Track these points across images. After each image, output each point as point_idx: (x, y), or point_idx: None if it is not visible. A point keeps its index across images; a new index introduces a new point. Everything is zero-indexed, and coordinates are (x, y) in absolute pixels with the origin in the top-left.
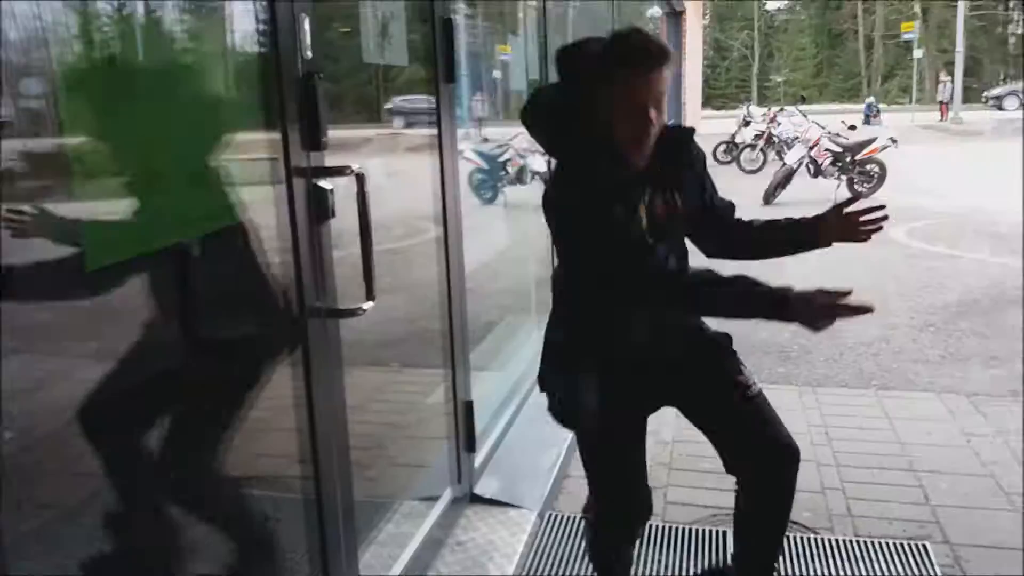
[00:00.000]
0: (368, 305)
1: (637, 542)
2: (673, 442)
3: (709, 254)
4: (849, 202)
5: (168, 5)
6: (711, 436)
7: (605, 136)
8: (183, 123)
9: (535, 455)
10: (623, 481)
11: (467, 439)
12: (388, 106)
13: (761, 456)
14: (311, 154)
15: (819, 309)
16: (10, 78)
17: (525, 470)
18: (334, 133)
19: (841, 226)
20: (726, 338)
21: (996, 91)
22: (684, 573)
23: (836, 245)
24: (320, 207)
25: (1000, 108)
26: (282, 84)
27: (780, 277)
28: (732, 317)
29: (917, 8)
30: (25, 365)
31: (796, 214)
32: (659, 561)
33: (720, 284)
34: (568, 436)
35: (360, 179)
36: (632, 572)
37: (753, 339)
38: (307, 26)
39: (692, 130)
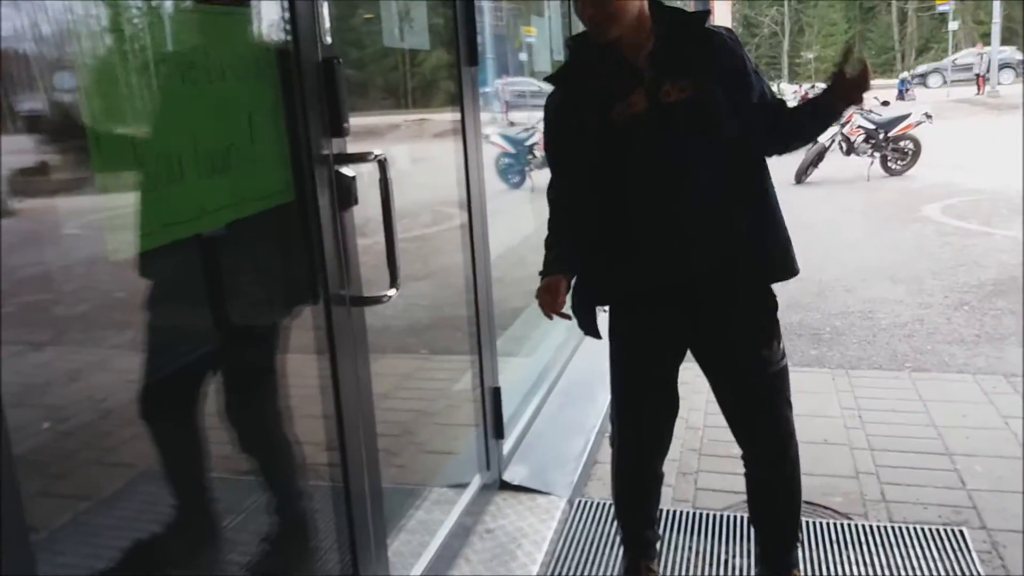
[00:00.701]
0: (392, 293)
1: (660, 481)
2: (704, 427)
3: (755, 151)
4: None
5: None
6: (716, 395)
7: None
8: (207, 108)
9: (564, 441)
10: (638, 410)
11: (495, 426)
12: (486, 89)
13: (755, 442)
14: (333, 140)
15: (852, 82)
16: (44, 72)
17: (554, 457)
18: (360, 120)
19: (843, 87)
20: (771, 299)
21: (920, 68)
22: (716, 559)
23: (873, 225)
24: (343, 194)
25: (925, 86)
26: (301, 70)
27: (826, 259)
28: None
29: None
30: (61, 356)
31: (828, 193)
32: (690, 547)
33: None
34: (597, 423)
35: (383, 165)
36: (663, 558)
37: (785, 321)
38: (326, 12)
39: (702, 13)
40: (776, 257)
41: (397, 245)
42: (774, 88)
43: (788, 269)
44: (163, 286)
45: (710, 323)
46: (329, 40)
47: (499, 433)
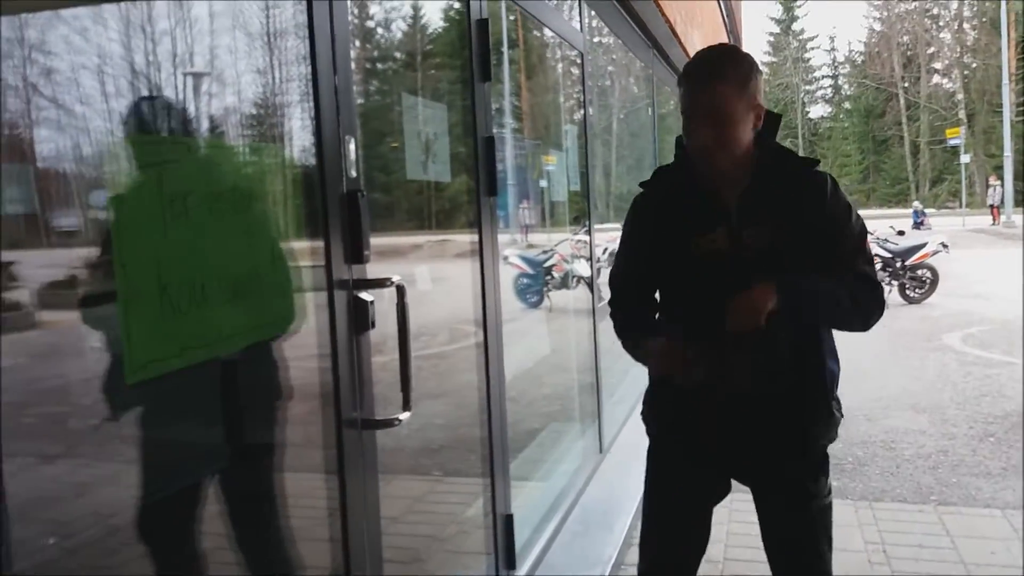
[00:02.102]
0: (405, 416)
1: None
2: (724, 560)
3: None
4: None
5: (230, 124)
6: (760, 524)
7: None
8: (231, 236)
9: (580, 573)
10: (666, 541)
11: (507, 555)
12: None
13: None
14: (353, 267)
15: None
16: (81, 189)
17: None
18: (386, 240)
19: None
20: (827, 423)
21: None
22: None
23: (893, 354)
24: (360, 318)
25: None
26: (326, 201)
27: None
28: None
29: (962, 114)
30: (72, 469)
31: None
32: None
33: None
34: (614, 553)
35: (400, 291)
36: None
37: None
38: (352, 147)
39: (810, 160)
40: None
41: (411, 369)
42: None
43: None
44: (174, 407)
45: (757, 450)
46: (354, 173)
47: (511, 563)
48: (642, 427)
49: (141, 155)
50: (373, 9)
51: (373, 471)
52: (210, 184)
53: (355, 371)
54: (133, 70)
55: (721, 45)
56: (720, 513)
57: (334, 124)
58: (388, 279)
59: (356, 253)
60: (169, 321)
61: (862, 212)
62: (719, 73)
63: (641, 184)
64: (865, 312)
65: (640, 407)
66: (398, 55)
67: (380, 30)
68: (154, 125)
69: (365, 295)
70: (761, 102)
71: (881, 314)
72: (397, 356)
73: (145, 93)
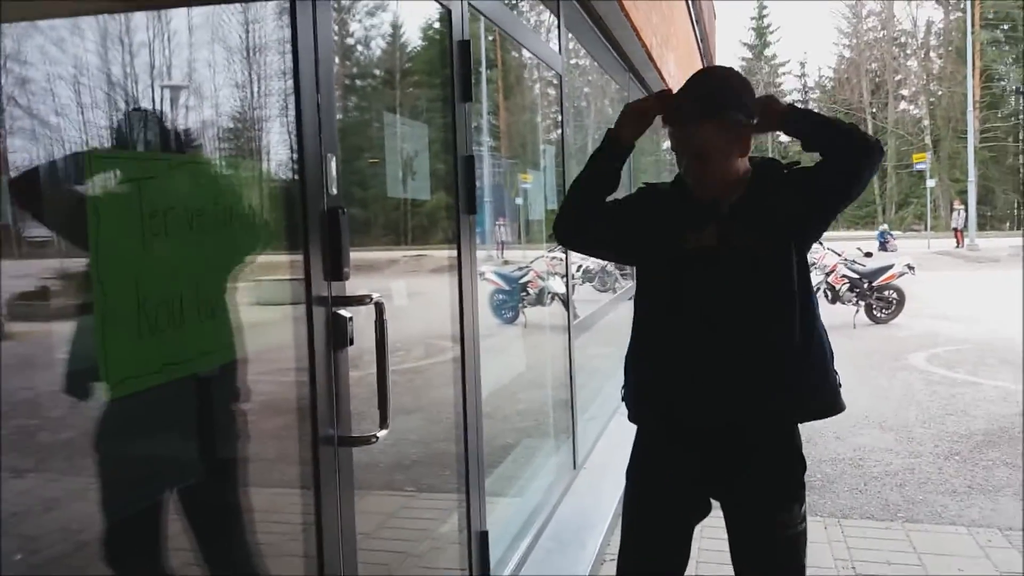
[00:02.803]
0: (382, 433)
1: None
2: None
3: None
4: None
5: (208, 139)
6: (731, 551)
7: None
8: (211, 252)
9: None
10: (646, 558)
11: (482, 572)
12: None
13: None
14: (332, 283)
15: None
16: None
17: None
18: (362, 255)
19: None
20: (798, 460)
21: None
22: None
23: (860, 373)
24: (339, 335)
25: None
26: (307, 218)
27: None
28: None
29: (928, 140)
30: (41, 483)
31: None
32: None
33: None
34: (586, 570)
35: (379, 308)
36: None
37: None
38: (333, 164)
39: (792, 163)
40: (815, 399)
41: (389, 386)
42: None
43: (828, 407)
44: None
45: (733, 474)
46: (335, 190)
47: None
48: (616, 444)
49: (122, 169)
50: (353, 27)
51: (349, 488)
52: (190, 200)
53: (333, 388)
54: (111, 82)
55: (712, 73)
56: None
57: (316, 141)
58: (368, 296)
59: (336, 270)
60: (146, 338)
61: (830, 234)
62: (709, 112)
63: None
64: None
65: (624, 409)
66: (377, 72)
67: (360, 47)
68: (131, 139)
69: (344, 312)
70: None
71: (870, 163)
72: (372, 372)
73: (123, 106)
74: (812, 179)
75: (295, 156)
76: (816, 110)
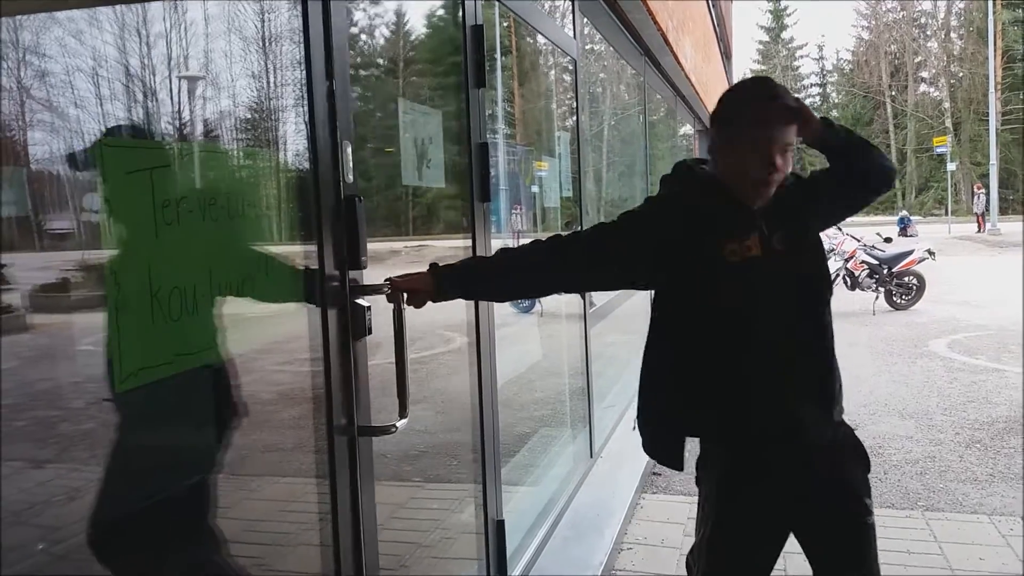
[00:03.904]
0: (402, 423)
1: None
2: None
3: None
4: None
5: (224, 129)
6: (809, 550)
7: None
8: (225, 242)
9: None
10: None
11: (498, 562)
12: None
13: None
14: (350, 272)
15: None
16: (76, 192)
17: None
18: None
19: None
20: (862, 454)
21: None
22: None
23: (880, 360)
24: (358, 324)
25: None
26: (320, 206)
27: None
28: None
29: (948, 123)
30: (63, 473)
31: (835, 327)
32: None
33: None
34: (603, 559)
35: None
36: None
37: None
38: (349, 151)
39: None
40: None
41: (408, 375)
42: None
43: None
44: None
45: (820, 470)
46: (351, 179)
47: (502, 569)
48: (633, 433)
49: (132, 159)
50: (357, 15)
51: (370, 478)
52: (203, 189)
53: (352, 378)
54: (128, 73)
55: (772, 82)
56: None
57: (331, 129)
58: (383, 285)
59: (354, 259)
60: (160, 328)
61: (849, 219)
62: (793, 116)
63: (666, 184)
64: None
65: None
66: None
67: (372, 34)
68: (147, 129)
69: (362, 301)
70: None
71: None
72: (378, 362)
73: (139, 97)
74: (822, 188)
75: (309, 145)
76: (841, 122)
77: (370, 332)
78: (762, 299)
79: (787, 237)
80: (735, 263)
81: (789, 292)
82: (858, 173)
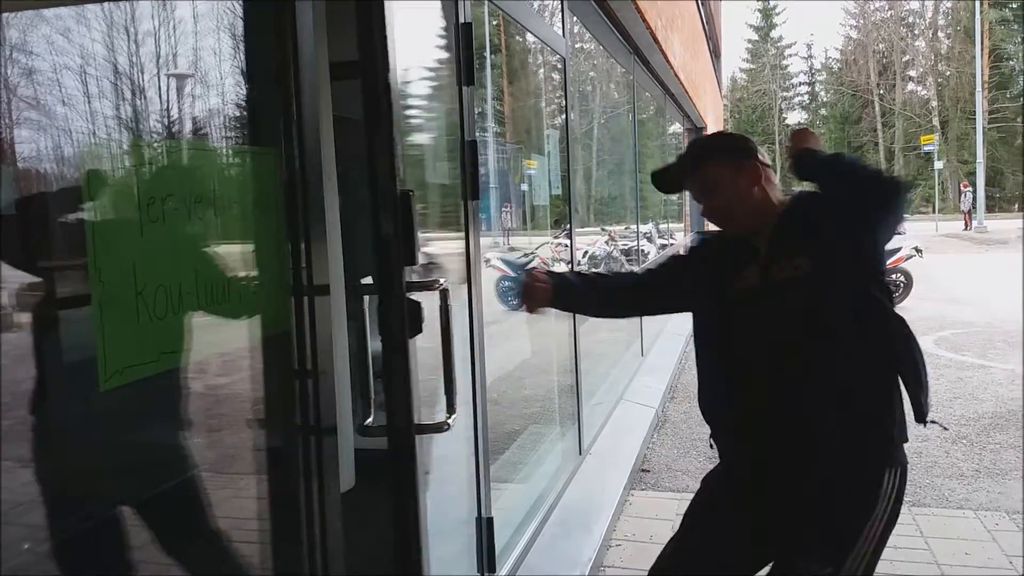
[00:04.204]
0: (452, 419)
1: None
2: None
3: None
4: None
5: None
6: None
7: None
8: (213, 240)
9: (559, 575)
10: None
11: (488, 559)
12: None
13: None
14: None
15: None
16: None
17: None
18: None
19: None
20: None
21: None
22: None
23: None
24: (414, 321)
25: None
26: (378, 201)
27: None
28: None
29: (936, 121)
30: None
31: None
32: None
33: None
34: (592, 555)
35: (444, 294)
36: None
37: None
38: (399, 151)
39: (809, 194)
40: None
41: (456, 372)
42: None
43: (884, 458)
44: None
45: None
46: (402, 173)
47: (491, 566)
48: (621, 430)
49: (118, 156)
50: None
51: (423, 476)
52: (190, 187)
53: (410, 376)
54: (116, 71)
55: (694, 140)
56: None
57: (388, 125)
58: (436, 281)
59: (409, 254)
60: (145, 326)
61: None
62: (707, 155)
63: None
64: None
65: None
66: None
67: None
68: (137, 127)
69: (416, 296)
70: (760, 160)
71: (883, 197)
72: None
73: (125, 94)
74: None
75: (368, 140)
76: (838, 151)
77: (420, 330)
78: (753, 332)
79: (785, 266)
80: (731, 297)
81: (787, 323)
82: (838, 188)
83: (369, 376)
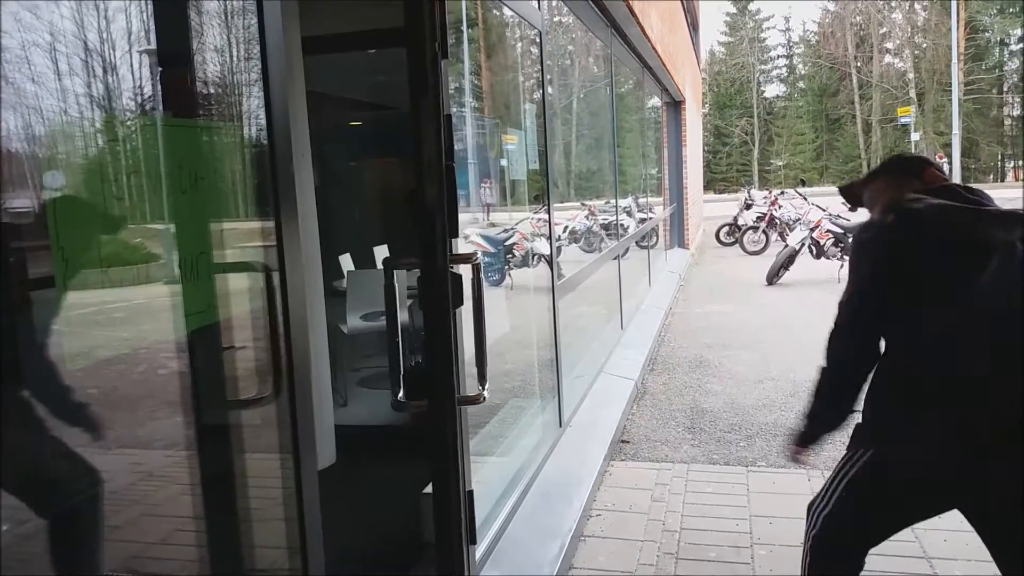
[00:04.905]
0: (487, 391)
1: None
2: (681, 530)
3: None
4: None
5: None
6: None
7: None
8: (188, 218)
9: (539, 546)
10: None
11: (468, 531)
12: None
13: None
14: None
15: None
16: (36, 170)
17: (529, 562)
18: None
19: None
20: None
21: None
22: None
23: None
24: (456, 293)
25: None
26: (423, 175)
27: (799, 360)
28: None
29: (912, 93)
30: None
31: (800, 294)
32: None
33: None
34: (572, 526)
35: (476, 268)
36: None
37: (759, 422)
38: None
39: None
40: None
41: (487, 344)
42: (745, 193)
43: None
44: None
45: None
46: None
47: (472, 538)
48: (600, 403)
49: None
50: None
51: (466, 448)
52: (156, 163)
53: (453, 347)
54: (87, 48)
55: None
56: (675, 482)
57: (434, 100)
58: (473, 254)
59: (452, 227)
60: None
61: (814, 189)
62: None
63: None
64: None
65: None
66: None
67: None
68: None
69: (457, 269)
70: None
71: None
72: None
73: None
74: None
75: (412, 115)
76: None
77: (462, 303)
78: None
79: None
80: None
81: None
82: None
83: (399, 352)
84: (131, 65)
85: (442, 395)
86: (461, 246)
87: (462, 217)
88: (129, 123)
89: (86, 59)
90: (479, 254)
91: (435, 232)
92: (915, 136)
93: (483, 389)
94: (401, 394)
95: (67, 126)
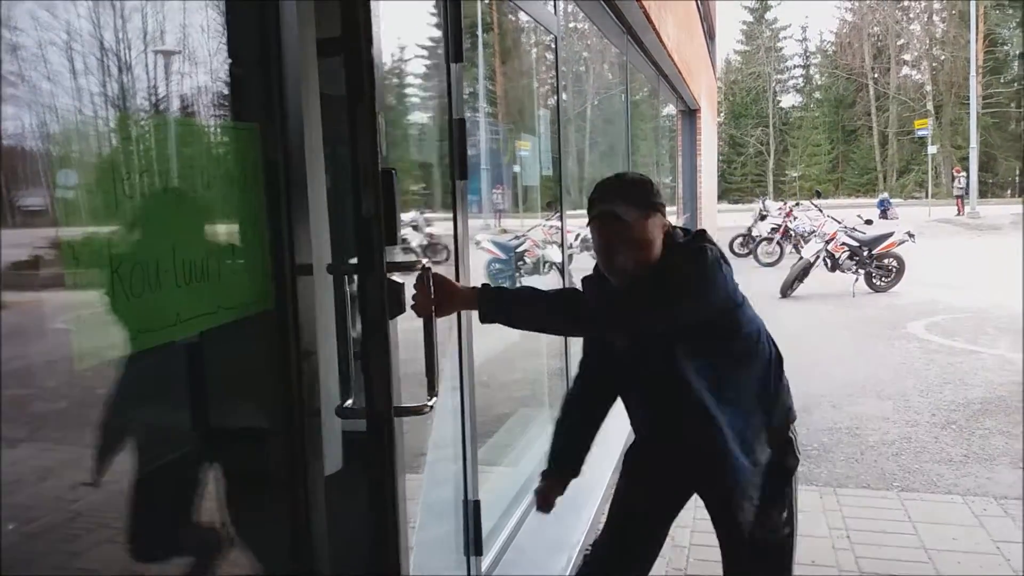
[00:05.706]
0: (432, 402)
1: None
2: (691, 546)
3: None
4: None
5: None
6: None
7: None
8: (195, 218)
9: (546, 559)
10: (614, 529)
11: (474, 541)
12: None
13: None
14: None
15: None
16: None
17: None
18: None
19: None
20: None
21: None
22: None
23: (858, 341)
24: (394, 302)
25: None
26: (359, 179)
27: (812, 374)
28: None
29: (930, 106)
30: (35, 453)
31: (814, 308)
32: None
33: None
34: (580, 539)
35: (427, 273)
36: None
37: None
38: (383, 123)
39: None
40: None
41: (437, 354)
42: (760, 204)
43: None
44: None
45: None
46: (384, 152)
47: (478, 549)
48: (611, 414)
49: (98, 131)
50: None
51: (401, 462)
52: (167, 163)
53: (389, 356)
54: (103, 47)
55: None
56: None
57: (369, 101)
58: (418, 262)
59: (391, 234)
60: (121, 304)
61: (830, 202)
62: (606, 213)
63: None
64: (560, 320)
65: None
66: None
67: None
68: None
69: (397, 277)
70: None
71: (581, 324)
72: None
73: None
74: None
75: (349, 118)
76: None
77: (404, 310)
78: (635, 379)
79: None
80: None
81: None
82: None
83: (349, 358)
84: (146, 65)
85: (378, 404)
86: (471, 252)
87: (473, 223)
88: (144, 122)
89: (102, 58)
90: (424, 261)
91: (372, 240)
92: (932, 149)
93: (429, 400)
94: (350, 401)
95: (81, 125)
